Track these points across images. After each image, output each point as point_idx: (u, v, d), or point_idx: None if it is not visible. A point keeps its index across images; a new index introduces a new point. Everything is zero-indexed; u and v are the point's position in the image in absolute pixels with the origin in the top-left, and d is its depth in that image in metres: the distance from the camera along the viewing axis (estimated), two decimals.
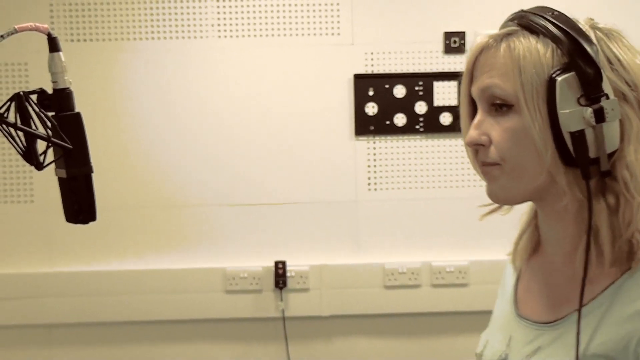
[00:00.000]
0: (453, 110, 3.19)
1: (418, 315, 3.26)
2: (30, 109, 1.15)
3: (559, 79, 1.07)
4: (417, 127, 3.20)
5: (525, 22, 1.13)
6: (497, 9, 3.15)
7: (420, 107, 3.19)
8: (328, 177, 3.22)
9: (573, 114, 1.06)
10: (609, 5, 3.05)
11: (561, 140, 1.07)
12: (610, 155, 1.08)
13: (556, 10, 1.13)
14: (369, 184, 3.22)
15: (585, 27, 1.11)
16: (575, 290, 1.12)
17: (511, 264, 1.37)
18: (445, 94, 3.19)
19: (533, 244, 1.31)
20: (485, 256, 3.23)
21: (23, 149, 1.16)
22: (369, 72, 3.19)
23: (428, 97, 3.19)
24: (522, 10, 1.16)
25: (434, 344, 3.28)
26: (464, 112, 1.22)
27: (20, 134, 1.15)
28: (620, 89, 1.08)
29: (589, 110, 1.06)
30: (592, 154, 1.07)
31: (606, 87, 1.07)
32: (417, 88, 3.19)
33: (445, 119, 3.19)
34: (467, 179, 3.21)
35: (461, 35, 3.18)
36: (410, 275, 3.21)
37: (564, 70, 1.07)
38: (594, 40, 1.09)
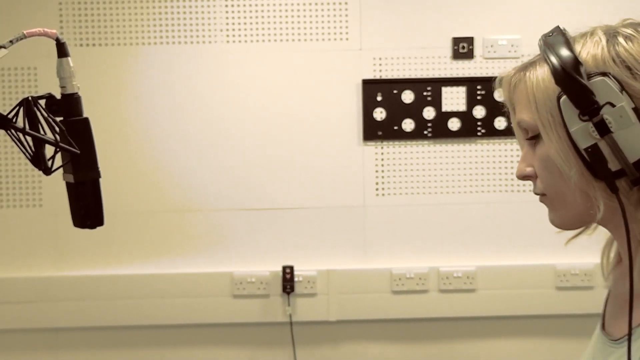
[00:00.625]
0: (461, 115, 3.19)
1: (425, 320, 3.26)
2: (38, 114, 1.15)
3: (561, 100, 1.07)
4: (425, 132, 3.20)
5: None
6: (504, 14, 3.15)
7: (429, 113, 3.19)
8: (336, 182, 3.22)
9: (580, 131, 1.06)
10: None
11: (584, 157, 1.07)
12: None
13: (555, 31, 1.12)
14: (376, 189, 3.22)
15: (593, 35, 1.10)
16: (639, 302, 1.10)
17: (603, 277, 1.34)
18: (453, 99, 3.18)
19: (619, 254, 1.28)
20: (493, 262, 3.23)
21: (31, 153, 1.17)
22: (377, 77, 3.19)
23: (436, 102, 3.19)
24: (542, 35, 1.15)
25: (441, 349, 3.28)
26: (520, 145, 1.24)
27: (29, 138, 1.16)
28: None
29: (590, 124, 1.05)
30: (614, 166, 1.05)
31: (609, 95, 1.04)
32: (425, 93, 3.19)
33: (453, 124, 3.19)
34: (475, 185, 3.21)
35: (469, 40, 3.17)
36: (418, 281, 3.20)
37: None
38: (602, 46, 1.08)
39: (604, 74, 1.05)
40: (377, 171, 3.22)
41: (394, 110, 3.19)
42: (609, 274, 1.30)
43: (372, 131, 3.20)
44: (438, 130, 3.20)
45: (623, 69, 1.06)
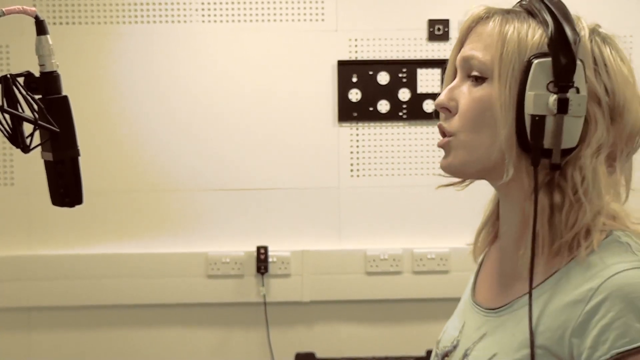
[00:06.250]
0: (436, 97, 3.19)
1: (399, 301, 3.28)
2: (17, 91, 1.14)
3: (535, 61, 1.07)
4: (401, 114, 3.21)
5: (527, 5, 1.15)
6: None
7: (404, 94, 3.20)
8: (311, 163, 3.22)
9: (538, 98, 1.07)
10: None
11: (522, 123, 1.08)
12: (567, 152, 1.08)
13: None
14: (351, 171, 3.23)
15: (579, 22, 1.12)
16: (520, 277, 1.15)
17: (472, 255, 1.39)
18: (428, 81, 3.19)
19: (493, 235, 1.33)
20: (466, 243, 3.24)
21: (9, 131, 1.15)
22: (353, 58, 3.19)
23: (411, 84, 3.20)
24: None
25: (414, 330, 3.30)
26: (447, 77, 1.24)
27: (7, 116, 1.15)
28: (595, 91, 1.09)
29: (554, 97, 1.06)
30: (547, 143, 1.07)
31: (579, 82, 1.07)
32: (400, 75, 3.19)
33: (429, 106, 3.20)
34: None
35: (445, 23, 3.18)
36: (392, 262, 3.22)
37: (543, 54, 1.08)
38: (583, 34, 1.10)
39: (581, 61, 1.08)
40: (352, 152, 3.22)
41: (369, 91, 3.19)
42: (481, 253, 1.37)
43: (347, 112, 3.20)
44: (413, 112, 3.21)
45: (592, 64, 1.10)
